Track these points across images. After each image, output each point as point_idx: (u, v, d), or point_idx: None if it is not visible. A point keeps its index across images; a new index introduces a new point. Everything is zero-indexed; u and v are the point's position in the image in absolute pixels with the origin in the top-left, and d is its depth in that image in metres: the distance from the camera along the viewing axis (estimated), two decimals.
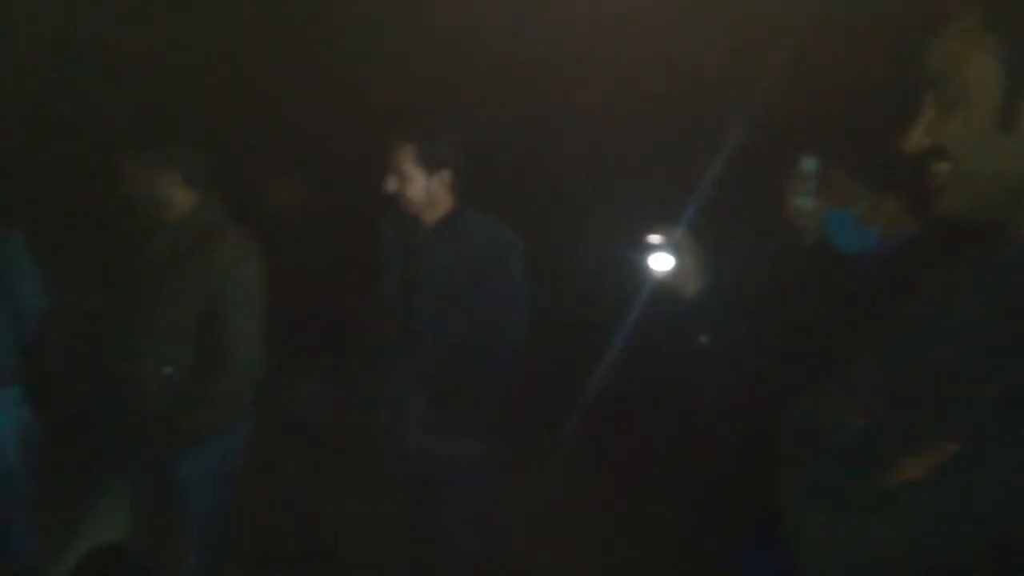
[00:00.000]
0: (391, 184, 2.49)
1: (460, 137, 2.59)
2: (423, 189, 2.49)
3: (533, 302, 2.57)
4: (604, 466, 3.77)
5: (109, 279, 2.89)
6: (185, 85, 4.03)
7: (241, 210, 2.82)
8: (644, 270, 1.71)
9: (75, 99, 4.20)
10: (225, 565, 2.87)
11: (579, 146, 3.60)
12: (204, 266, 2.56)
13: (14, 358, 3.06)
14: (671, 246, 1.69)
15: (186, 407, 2.55)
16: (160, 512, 2.75)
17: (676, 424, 2.65)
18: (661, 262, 1.69)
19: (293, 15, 3.96)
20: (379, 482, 3.01)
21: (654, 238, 1.71)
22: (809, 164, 1.91)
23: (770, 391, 1.43)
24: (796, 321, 1.68)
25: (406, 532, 2.87)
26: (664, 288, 1.72)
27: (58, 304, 3.16)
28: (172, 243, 2.61)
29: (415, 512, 2.79)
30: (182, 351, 2.57)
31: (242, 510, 2.93)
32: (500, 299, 2.52)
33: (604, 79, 3.72)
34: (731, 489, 2.16)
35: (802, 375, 1.13)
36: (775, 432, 1.09)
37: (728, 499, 2.22)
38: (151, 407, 2.58)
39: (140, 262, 2.67)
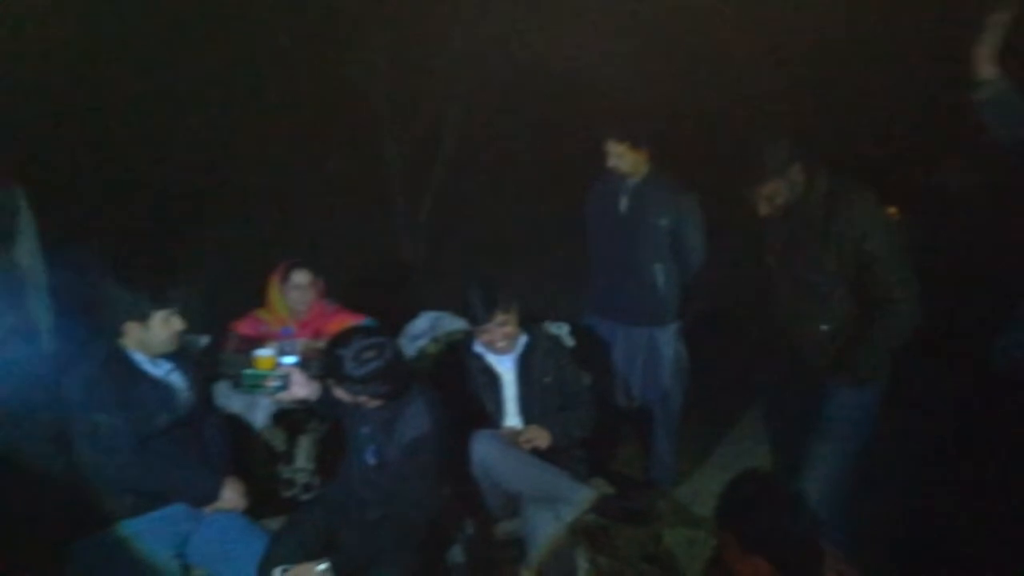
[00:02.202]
0: None
1: None
2: None
3: None
4: None
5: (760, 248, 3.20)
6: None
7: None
8: None
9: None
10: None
11: None
12: (845, 225, 2.67)
13: (677, 300, 3.66)
14: None
15: (851, 349, 2.73)
16: (799, 447, 2.95)
17: None
18: None
19: None
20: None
21: None
22: None
23: None
24: None
25: None
26: None
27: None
28: (805, 214, 2.77)
29: None
30: (837, 309, 2.75)
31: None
32: None
33: None
34: None
35: None
36: None
37: None
38: (812, 355, 2.80)
39: (782, 235, 2.89)
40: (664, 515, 3.60)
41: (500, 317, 3.05)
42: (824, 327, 2.76)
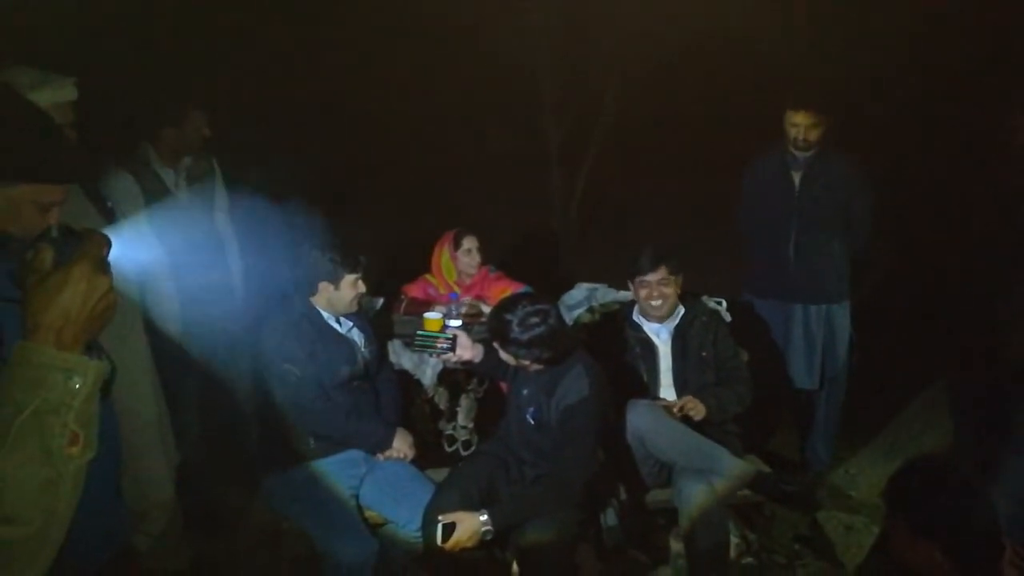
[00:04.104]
0: None
1: None
2: None
3: None
4: None
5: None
6: None
7: None
8: None
9: None
10: None
11: None
12: None
13: (846, 277, 3.57)
14: None
15: None
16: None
17: None
18: None
19: None
20: None
21: None
22: None
23: None
24: None
25: None
26: None
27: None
28: None
29: None
30: None
31: None
32: None
33: None
34: None
35: None
36: None
37: None
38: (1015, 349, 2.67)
39: None
40: (820, 498, 3.53)
41: (663, 271, 3.12)
42: None
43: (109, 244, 1.05)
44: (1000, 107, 2.95)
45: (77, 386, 0.97)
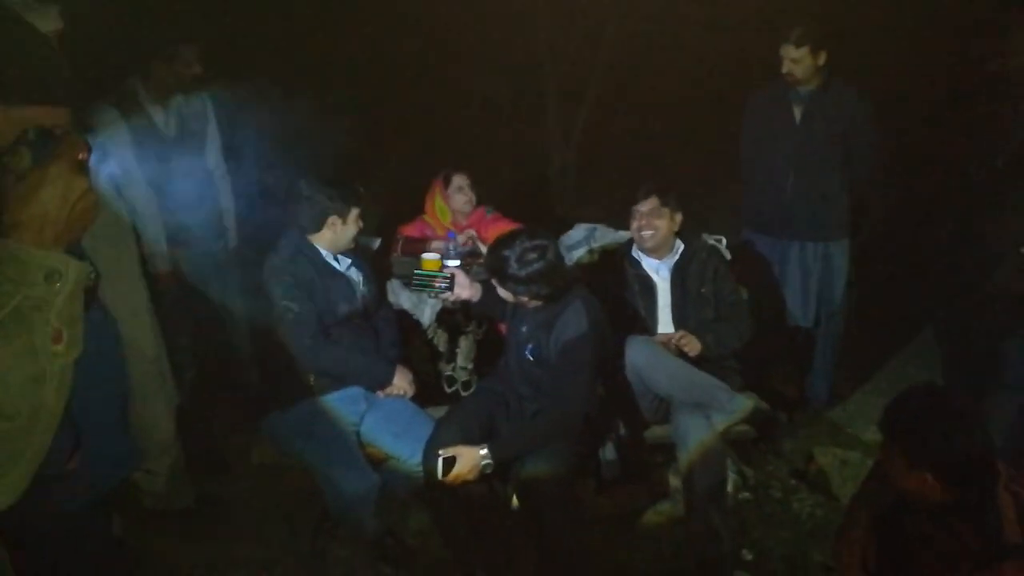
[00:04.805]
0: None
1: None
2: None
3: None
4: None
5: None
6: None
7: None
8: None
9: None
10: None
11: None
12: None
13: (846, 214, 3.55)
14: None
15: None
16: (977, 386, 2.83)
17: None
18: None
19: None
20: None
21: None
22: None
23: None
24: None
25: None
26: None
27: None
28: None
29: None
30: None
31: None
32: None
33: None
34: None
35: None
36: None
37: None
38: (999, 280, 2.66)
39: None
40: (817, 434, 3.56)
41: (655, 201, 3.13)
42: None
43: (88, 148, 1.04)
44: (991, 37, 2.89)
45: (58, 284, 0.97)
